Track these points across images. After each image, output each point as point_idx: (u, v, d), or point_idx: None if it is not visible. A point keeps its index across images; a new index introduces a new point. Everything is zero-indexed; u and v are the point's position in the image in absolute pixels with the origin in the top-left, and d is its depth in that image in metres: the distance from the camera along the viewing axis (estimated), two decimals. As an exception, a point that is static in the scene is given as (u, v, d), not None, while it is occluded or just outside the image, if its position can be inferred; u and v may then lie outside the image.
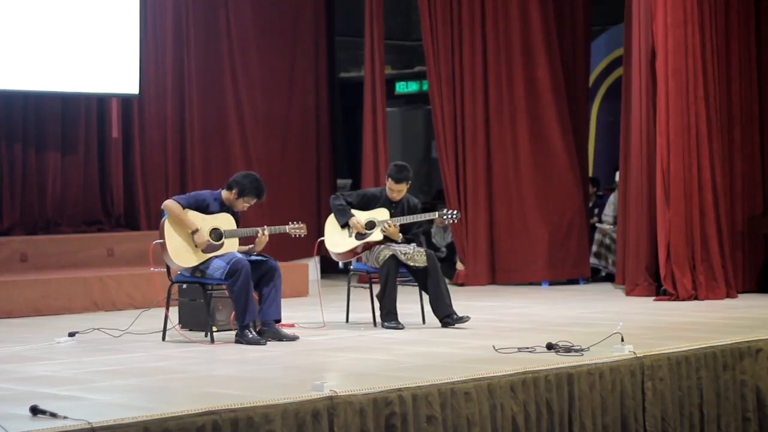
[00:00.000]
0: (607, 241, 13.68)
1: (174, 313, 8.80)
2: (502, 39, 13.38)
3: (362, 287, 9.78)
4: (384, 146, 13.78)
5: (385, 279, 8.96)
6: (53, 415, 5.20)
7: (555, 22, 13.54)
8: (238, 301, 8.15)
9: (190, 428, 5.27)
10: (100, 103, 13.01)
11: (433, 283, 9.00)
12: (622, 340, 7.44)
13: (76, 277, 11.11)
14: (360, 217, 9.19)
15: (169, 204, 8.32)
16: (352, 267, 9.61)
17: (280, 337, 8.28)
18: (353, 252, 9.21)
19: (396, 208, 9.21)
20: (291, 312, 10.16)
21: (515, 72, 13.36)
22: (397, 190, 9.18)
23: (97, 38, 12.57)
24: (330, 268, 14.79)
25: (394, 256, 8.97)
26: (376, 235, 9.12)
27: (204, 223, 8.31)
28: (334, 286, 13.02)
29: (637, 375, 7.15)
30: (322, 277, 14.22)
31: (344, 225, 9.18)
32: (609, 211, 13.86)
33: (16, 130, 12.45)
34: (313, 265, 14.01)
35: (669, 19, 11.43)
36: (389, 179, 9.20)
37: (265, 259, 8.41)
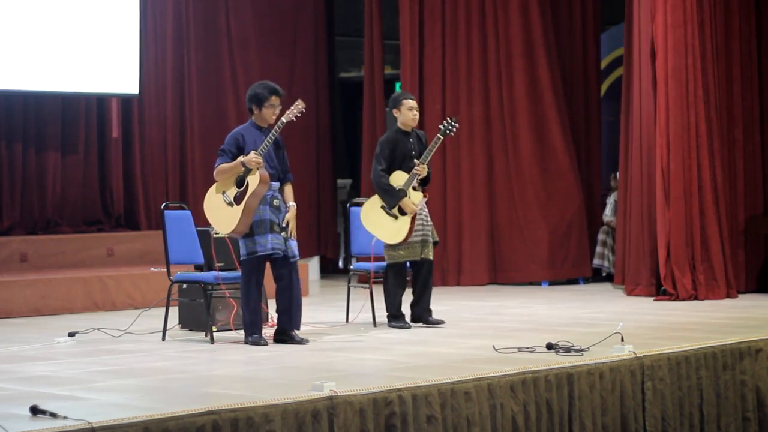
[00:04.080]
0: (610, 240, 13.65)
1: (174, 313, 8.80)
2: (502, 38, 13.36)
3: (362, 287, 9.78)
4: (384, 146, 13.75)
5: (393, 277, 8.99)
6: (53, 415, 5.20)
7: (554, 21, 13.55)
8: (255, 315, 8.10)
9: (190, 428, 5.27)
10: (100, 103, 13.01)
11: (423, 281, 9.08)
12: (622, 340, 7.44)
13: (76, 277, 11.10)
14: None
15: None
16: (352, 267, 9.66)
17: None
18: (413, 230, 9.03)
19: (415, 144, 9.11)
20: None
21: (516, 71, 13.35)
22: (416, 108, 9.16)
23: (97, 38, 12.57)
24: (330, 268, 14.80)
25: (403, 264, 8.99)
26: (416, 197, 8.96)
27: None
28: (334, 286, 13.01)
29: (637, 375, 7.15)
30: (321, 277, 14.21)
31: (392, 207, 8.96)
32: (608, 211, 13.84)
33: (16, 130, 12.45)
34: (314, 265, 14.01)
35: (669, 19, 11.43)
36: (406, 100, 9.10)
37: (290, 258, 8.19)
